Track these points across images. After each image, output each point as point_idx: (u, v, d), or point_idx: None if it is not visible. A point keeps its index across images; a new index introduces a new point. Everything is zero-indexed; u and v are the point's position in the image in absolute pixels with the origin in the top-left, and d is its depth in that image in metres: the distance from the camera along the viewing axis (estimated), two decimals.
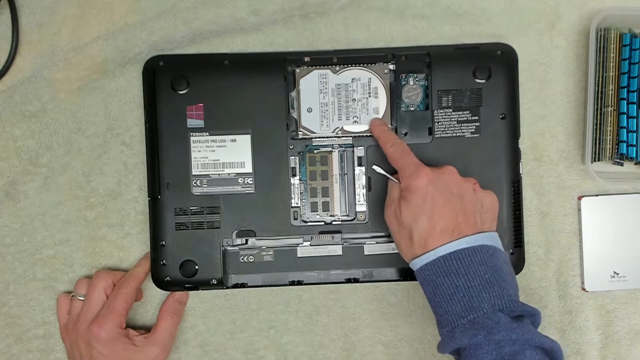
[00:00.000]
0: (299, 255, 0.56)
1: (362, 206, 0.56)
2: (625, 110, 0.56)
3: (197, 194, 0.55)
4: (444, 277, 0.46)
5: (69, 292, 0.56)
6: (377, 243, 0.56)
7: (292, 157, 0.56)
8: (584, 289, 0.58)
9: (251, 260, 0.56)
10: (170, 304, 0.56)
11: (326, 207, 0.56)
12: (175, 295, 0.56)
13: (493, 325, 0.45)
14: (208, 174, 0.55)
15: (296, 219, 0.56)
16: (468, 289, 0.46)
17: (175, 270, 0.56)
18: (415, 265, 0.48)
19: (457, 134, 0.56)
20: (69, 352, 0.54)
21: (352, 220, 0.56)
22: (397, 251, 0.55)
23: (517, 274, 0.56)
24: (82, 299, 0.54)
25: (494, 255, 0.48)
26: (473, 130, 0.56)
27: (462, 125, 0.55)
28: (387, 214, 0.51)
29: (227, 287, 0.56)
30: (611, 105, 0.56)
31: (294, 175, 0.56)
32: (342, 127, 0.55)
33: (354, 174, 0.56)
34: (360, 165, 0.56)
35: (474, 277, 0.46)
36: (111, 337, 0.52)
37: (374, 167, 0.54)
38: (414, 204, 0.48)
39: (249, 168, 0.55)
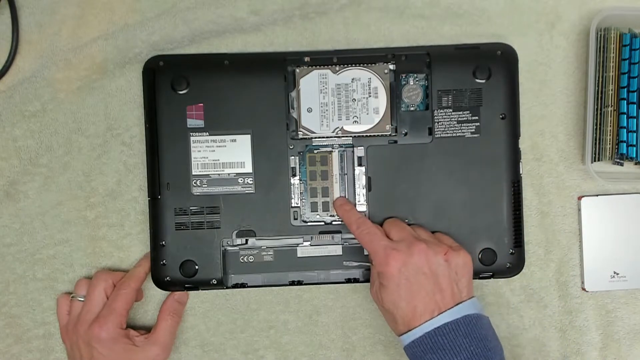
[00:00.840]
0: (299, 255, 0.56)
1: (362, 206, 0.56)
2: (625, 110, 0.56)
3: (197, 194, 0.55)
4: (431, 354, 0.47)
5: (68, 293, 0.56)
6: None
7: (292, 157, 0.56)
8: (584, 289, 0.58)
9: (251, 260, 0.56)
10: (170, 304, 0.56)
11: (326, 207, 0.56)
12: (175, 295, 0.56)
13: None
14: (208, 174, 0.55)
15: (296, 219, 0.56)
16: None
17: (175, 270, 0.56)
18: (403, 341, 0.49)
19: (457, 134, 0.56)
20: (70, 353, 0.54)
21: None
22: None
23: (517, 274, 0.56)
24: (82, 299, 0.54)
25: (477, 324, 0.48)
26: (473, 130, 0.56)
27: (462, 125, 0.55)
28: (372, 293, 0.53)
29: (227, 287, 0.56)
30: (611, 105, 0.56)
31: (294, 175, 0.56)
32: (342, 127, 0.55)
33: (354, 174, 0.56)
34: (360, 165, 0.56)
35: (460, 351, 0.47)
36: (112, 337, 0.52)
37: (345, 263, 0.56)
38: (390, 290, 0.49)
39: (249, 168, 0.55)
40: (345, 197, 0.56)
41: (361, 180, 0.56)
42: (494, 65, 0.55)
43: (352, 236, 0.56)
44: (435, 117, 0.56)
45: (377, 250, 0.50)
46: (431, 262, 0.49)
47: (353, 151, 0.56)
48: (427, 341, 0.48)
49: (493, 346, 0.48)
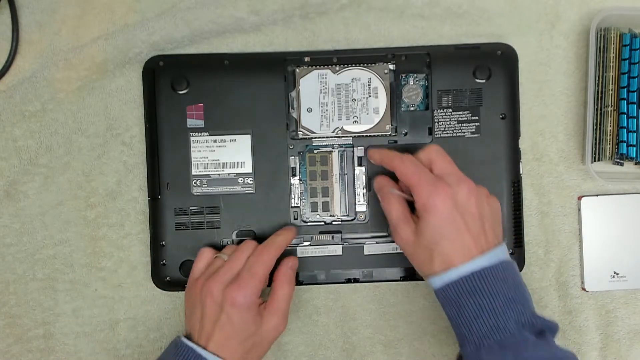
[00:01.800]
0: (299, 255, 0.56)
1: (362, 206, 0.56)
2: (625, 110, 0.56)
3: (197, 194, 0.55)
4: (467, 298, 0.46)
5: (214, 249, 0.54)
6: (377, 243, 0.56)
7: (292, 157, 0.56)
8: (584, 289, 0.58)
9: None
10: (284, 272, 0.53)
11: (326, 207, 0.56)
12: (289, 263, 0.53)
13: (520, 345, 0.44)
14: (208, 174, 0.55)
15: (296, 219, 0.56)
16: (493, 309, 0.45)
17: (175, 270, 0.56)
18: (435, 283, 0.47)
19: (457, 134, 0.56)
20: (189, 309, 0.52)
21: (352, 220, 0.56)
22: (397, 251, 0.56)
23: None
24: (225, 258, 0.52)
25: (514, 270, 0.48)
26: (473, 130, 0.56)
27: (462, 125, 0.56)
28: (398, 234, 0.50)
29: None
30: (611, 105, 0.56)
31: (294, 175, 0.56)
32: (342, 127, 0.55)
33: (354, 174, 0.56)
34: (360, 165, 0.56)
35: (498, 296, 0.46)
36: (247, 304, 0.49)
37: (392, 190, 0.51)
38: (433, 226, 0.47)
39: (249, 168, 0.55)
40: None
41: (361, 180, 0.56)
42: (494, 65, 0.55)
43: (352, 236, 0.56)
44: (435, 117, 0.56)
45: (423, 181, 0.48)
46: (478, 202, 0.48)
47: (353, 151, 0.56)
48: (464, 284, 0.46)
49: (527, 294, 0.48)
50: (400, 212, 0.50)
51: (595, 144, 0.57)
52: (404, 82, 0.56)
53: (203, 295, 0.50)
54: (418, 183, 0.48)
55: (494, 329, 0.45)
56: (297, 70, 0.55)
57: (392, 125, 0.56)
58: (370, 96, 0.55)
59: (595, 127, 0.57)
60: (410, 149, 0.55)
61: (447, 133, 0.56)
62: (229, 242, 0.56)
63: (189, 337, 0.50)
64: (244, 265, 0.51)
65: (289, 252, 0.55)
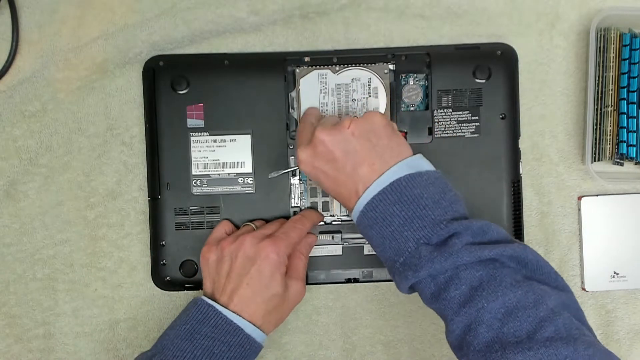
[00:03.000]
0: None
1: None
2: (625, 110, 0.56)
3: (197, 194, 0.55)
4: (370, 230, 0.46)
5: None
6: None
7: (292, 157, 0.56)
8: (584, 289, 0.58)
9: None
10: (303, 247, 0.53)
11: (326, 207, 0.56)
12: (309, 239, 0.54)
13: (417, 262, 0.44)
14: (208, 174, 0.55)
15: None
16: (392, 233, 0.45)
17: (175, 270, 0.56)
18: (354, 219, 0.48)
19: (457, 134, 0.56)
20: (210, 268, 0.51)
21: (352, 220, 0.56)
22: None
23: None
24: (254, 227, 0.53)
25: (408, 185, 0.45)
26: (473, 130, 0.56)
27: (462, 125, 0.55)
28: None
29: None
30: (611, 105, 0.56)
31: (294, 175, 0.56)
32: None
33: None
34: None
35: (392, 219, 0.45)
36: (279, 260, 0.49)
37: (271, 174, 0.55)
38: (319, 184, 0.49)
39: (249, 168, 0.55)
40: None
41: None
42: (494, 65, 0.55)
43: (352, 236, 0.56)
44: (435, 117, 0.56)
45: (296, 144, 0.50)
46: (338, 143, 0.47)
47: None
48: (362, 219, 0.46)
49: (429, 203, 0.45)
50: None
51: (595, 144, 0.57)
52: (404, 82, 0.56)
53: (234, 249, 0.50)
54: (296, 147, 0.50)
55: (398, 251, 0.45)
56: (297, 70, 0.55)
57: None
58: (370, 96, 0.55)
59: (595, 127, 0.57)
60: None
61: (447, 133, 0.55)
62: None
63: (209, 297, 0.50)
64: (278, 229, 0.51)
65: None
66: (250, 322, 0.48)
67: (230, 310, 0.48)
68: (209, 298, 0.49)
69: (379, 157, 0.46)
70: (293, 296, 0.51)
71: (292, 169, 0.55)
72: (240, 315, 0.48)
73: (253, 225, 0.53)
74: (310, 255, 0.56)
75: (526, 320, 0.41)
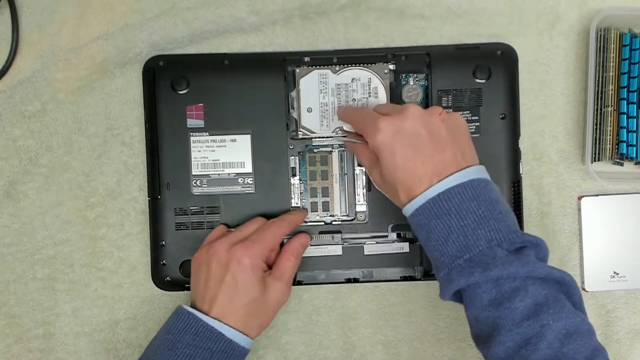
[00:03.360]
0: None
1: (362, 206, 0.56)
2: (625, 110, 0.56)
3: (197, 194, 0.55)
4: (436, 220, 0.45)
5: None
6: (377, 243, 0.56)
7: (292, 157, 0.56)
8: (584, 289, 0.58)
9: None
10: (294, 246, 0.53)
11: (326, 207, 0.56)
12: (301, 239, 0.54)
13: (489, 262, 0.43)
14: (208, 174, 0.55)
15: None
16: (462, 228, 0.44)
17: (175, 270, 0.56)
18: (406, 212, 0.46)
19: None
20: (194, 276, 0.51)
21: (352, 220, 0.56)
22: (397, 251, 0.56)
23: None
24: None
25: (486, 188, 0.45)
26: (473, 130, 0.56)
27: None
28: (372, 179, 0.50)
29: None
30: (611, 105, 0.56)
31: (294, 175, 0.56)
32: (342, 127, 0.55)
33: (354, 174, 0.56)
34: (360, 165, 0.56)
35: (467, 214, 0.44)
36: (252, 264, 0.49)
37: (347, 139, 0.53)
38: (387, 162, 0.46)
39: (249, 168, 0.55)
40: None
41: (361, 180, 0.56)
42: (494, 65, 0.55)
43: (352, 236, 0.56)
44: None
45: (367, 121, 0.47)
46: (427, 124, 0.46)
47: None
48: (431, 207, 0.45)
49: (504, 210, 0.45)
50: (367, 159, 0.50)
51: (595, 144, 0.57)
52: (404, 82, 0.56)
53: (209, 257, 0.50)
54: (362, 126, 0.49)
55: (464, 248, 0.44)
56: (297, 70, 0.55)
57: None
58: (370, 96, 0.55)
59: (595, 127, 0.57)
60: None
61: None
62: None
63: (192, 306, 0.50)
64: (253, 233, 0.51)
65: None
66: (232, 327, 0.48)
67: (212, 317, 0.48)
68: (193, 306, 0.50)
69: (461, 151, 0.47)
70: (274, 298, 0.51)
71: (361, 142, 0.52)
72: (221, 321, 0.48)
73: (228, 229, 0.53)
74: (310, 255, 0.56)
75: (583, 346, 0.41)
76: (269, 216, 0.55)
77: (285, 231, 0.53)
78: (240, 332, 0.49)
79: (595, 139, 0.57)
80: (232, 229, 0.55)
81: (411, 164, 0.45)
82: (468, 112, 0.55)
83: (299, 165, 0.56)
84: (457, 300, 0.47)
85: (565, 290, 0.44)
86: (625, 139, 0.56)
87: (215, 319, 0.48)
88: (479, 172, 0.46)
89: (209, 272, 0.50)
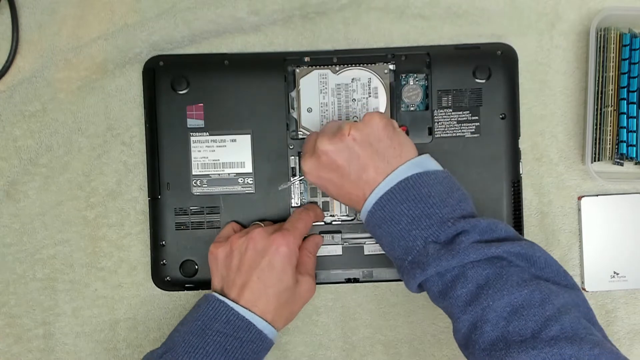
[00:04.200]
0: None
1: None
2: (625, 110, 0.56)
3: (197, 194, 0.55)
4: (378, 229, 0.47)
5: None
6: (377, 243, 0.56)
7: (292, 157, 0.56)
8: (584, 289, 0.58)
9: None
10: (310, 246, 0.54)
11: (326, 207, 0.56)
12: (316, 239, 0.54)
13: (424, 261, 0.44)
14: (208, 174, 0.55)
15: None
16: (400, 232, 0.45)
17: (175, 270, 0.56)
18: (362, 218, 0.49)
19: (457, 134, 0.55)
20: (219, 263, 0.51)
21: (352, 220, 0.56)
22: None
23: None
24: (262, 225, 0.52)
25: (415, 185, 0.45)
26: (473, 130, 0.56)
27: (462, 125, 0.55)
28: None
29: None
30: (611, 105, 0.56)
31: (294, 175, 0.56)
32: None
33: None
34: None
35: (400, 218, 0.45)
36: (290, 252, 0.49)
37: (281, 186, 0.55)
38: (318, 184, 0.50)
39: (249, 168, 0.55)
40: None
41: None
42: (494, 65, 0.55)
43: (352, 236, 0.56)
44: (435, 117, 0.56)
45: (304, 155, 0.50)
46: (339, 151, 0.46)
47: None
48: (371, 220, 0.47)
49: (437, 202, 0.45)
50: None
51: (595, 144, 0.57)
52: (404, 82, 0.56)
53: (243, 243, 0.49)
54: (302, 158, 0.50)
55: (407, 250, 0.45)
56: (297, 70, 0.55)
57: None
58: (370, 96, 0.55)
59: (595, 127, 0.57)
60: None
61: (447, 133, 0.55)
62: None
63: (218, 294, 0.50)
64: (284, 223, 0.52)
65: None
66: (261, 317, 0.48)
67: (241, 306, 0.48)
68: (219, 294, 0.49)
69: (382, 159, 0.47)
70: (304, 292, 0.51)
71: (298, 179, 0.55)
72: (251, 311, 0.48)
73: (262, 224, 0.53)
74: None
75: (532, 319, 0.41)
76: (268, 216, 0.55)
77: (312, 220, 0.54)
78: (269, 323, 0.48)
79: (595, 139, 0.57)
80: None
81: (342, 192, 0.48)
82: (468, 112, 0.55)
83: (299, 165, 0.56)
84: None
85: (517, 263, 0.44)
86: (625, 139, 0.56)
87: (245, 307, 0.48)
88: (409, 168, 0.46)
89: (242, 259, 0.49)
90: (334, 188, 0.48)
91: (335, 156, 0.47)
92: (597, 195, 0.58)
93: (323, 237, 0.56)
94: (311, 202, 0.56)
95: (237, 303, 0.48)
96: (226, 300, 0.48)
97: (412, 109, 0.56)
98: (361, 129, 0.47)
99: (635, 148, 0.56)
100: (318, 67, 0.55)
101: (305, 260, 0.53)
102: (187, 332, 0.47)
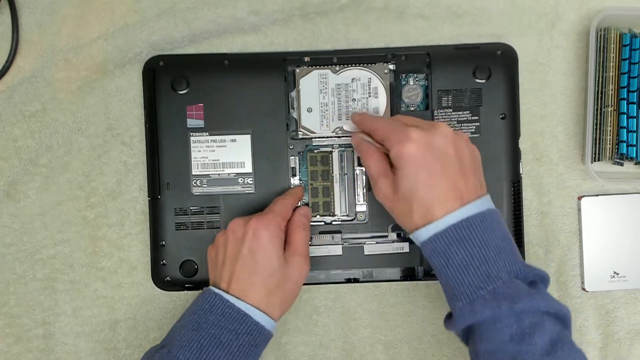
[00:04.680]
0: None
1: (362, 206, 0.56)
2: (625, 110, 0.56)
3: (197, 194, 0.55)
4: (457, 247, 0.43)
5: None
6: (377, 243, 0.56)
7: (292, 157, 0.56)
8: (584, 289, 0.58)
9: None
10: (297, 219, 0.52)
11: (327, 207, 0.56)
12: (301, 211, 0.53)
13: (514, 294, 0.42)
14: (208, 174, 0.55)
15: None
16: (484, 258, 0.43)
17: (175, 270, 0.56)
18: (421, 236, 0.45)
19: None
20: (211, 262, 0.51)
21: (352, 220, 0.56)
22: (397, 251, 0.56)
23: None
24: None
25: (500, 219, 0.45)
26: (473, 130, 0.56)
27: (462, 125, 0.55)
28: (378, 189, 0.47)
29: None
30: (611, 105, 0.56)
31: (294, 175, 0.56)
32: (342, 127, 0.55)
33: (354, 174, 0.56)
34: (360, 165, 0.56)
35: (488, 244, 0.43)
36: (269, 236, 0.48)
37: (364, 138, 0.50)
38: (408, 174, 0.45)
39: (249, 168, 0.55)
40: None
41: (361, 180, 0.56)
42: (494, 65, 0.55)
43: (352, 236, 0.56)
44: (435, 117, 0.56)
45: (395, 129, 0.46)
46: (456, 145, 0.45)
47: (353, 151, 0.56)
48: (452, 233, 0.43)
49: (515, 244, 0.46)
50: (378, 166, 0.48)
51: (595, 144, 0.57)
52: (404, 82, 0.56)
53: (226, 237, 0.49)
54: (390, 132, 0.46)
55: (487, 278, 0.43)
56: (297, 70, 0.55)
57: None
58: (370, 96, 0.55)
59: (595, 127, 0.57)
60: None
61: None
62: None
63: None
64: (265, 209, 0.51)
65: None
66: (255, 307, 0.47)
67: (232, 295, 0.47)
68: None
69: (479, 180, 0.47)
70: (295, 272, 0.49)
71: (379, 147, 0.49)
72: (243, 301, 0.47)
73: None
74: (310, 255, 0.55)
75: None
76: None
77: (291, 202, 0.53)
78: (264, 312, 0.47)
79: (595, 139, 0.57)
80: None
81: (435, 182, 0.44)
82: (468, 112, 0.55)
83: (299, 165, 0.56)
84: (462, 333, 0.46)
85: (567, 325, 0.45)
86: (625, 139, 0.56)
87: (237, 298, 0.47)
88: (490, 202, 0.46)
89: (225, 251, 0.49)
90: (423, 174, 0.44)
91: (452, 145, 0.45)
92: (597, 195, 0.58)
93: (310, 207, 0.55)
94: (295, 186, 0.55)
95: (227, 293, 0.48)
96: (221, 293, 0.47)
97: (412, 109, 0.56)
98: (472, 144, 0.48)
99: (635, 148, 0.56)
100: (318, 67, 0.55)
101: (295, 239, 0.50)
102: (183, 326, 0.47)
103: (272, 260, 0.48)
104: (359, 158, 0.56)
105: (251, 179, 0.56)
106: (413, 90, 0.56)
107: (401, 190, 0.45)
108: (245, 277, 0.48)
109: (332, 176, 0.56)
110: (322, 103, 0.55)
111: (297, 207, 0.54)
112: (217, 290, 0.48)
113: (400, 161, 0.45)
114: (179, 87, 0.55)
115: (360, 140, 0.50)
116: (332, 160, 0.56)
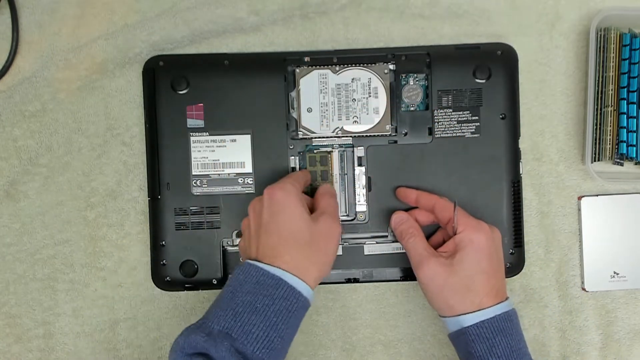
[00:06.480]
0: None
1: (362, 206, 0.56)
2: (625, 110, 0.56)
3: (197, 194, 0.55)
4: (501, 337, 0.47)
5: None
6: (377, 243, 0.56)
7: (292, 157, 0.56)
8: (584, 289, 0.58)
9: None
10: (322, 189, 0.52)
11: None
12: (326, 185, 0.54)
13: None
14: (208, 174, 0.55)
15: None
16: (520, 350, 0.48)
17: (175, 270, 0.56)
18: (466, 321, 0.48)
19: (457, 134, 0.55)
20: (242, 246, 0.51)
21: (352, 220, 0.56)
22: (397, 251, 0.56)
23: (517, 274, 0.57)
24: None
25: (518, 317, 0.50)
26: (473, 130, 0.56)
27: (462, 125, 0.55)
28: (428, 267, 0.49)
29: None
30: (611, 105, 0.56)
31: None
32: (342, 127, 0.55)
33: (354, 174, 0.56)
34: (360, 165, 0.56)
35: (521, 338, 0.49)
36: (286, 195, 0.47)
37: (402, 214, 0.54)
38: (475, 259, 0.49)
39: (249, 168, 0.55)
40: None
41: (361, 180, 0.56)
42: (494, 65, 0.55)
43: (352, 236, 0.56)
44: (435, 117, 0.56)
45: (469, 218, 0.51)
46: (500, 248, 0.51)
47: (353, 151, 0.56)
48: (497, 323, 0.48)
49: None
50: (426, 245, 0.51)
51: (595, 144, 0.57)
52: (404, 82, 0.56)
53: (248, 220, 0.50)
54: (465, 218, 0.50)
55: None
56: (297, 70, 0.55)
57: (392, 125, 0.55)
58: (370, 96, 0.55)
59: (595, 127, 0.57)
60: (411, 149, 0.55)
61: (447, 133, 0.55)
62: (229, 242, 0.56)
63: None
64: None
65: None
66: (290, 272, 0.46)
67: (267, 264, 0.46)
68: None
69: (503, 274, 0.52)
70: (324, 229, 0.48)
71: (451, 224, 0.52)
72: (276, 266, 0.46)
73: None
74: None
75: None
76: None
77: (301, 174, 0.53)
78: (298, 277, 0.46)
79: (595, 139, 0.57)
80: None
81: (493, 273, 0.49)
82: (468, 112, 0.55)
83: (299, 165, 0.56)
84: None
85: None
86: (625, 139, 0.56)
87: (270, 265, 0.46)
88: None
89: (251, 227, 0.49)
90: (486, 263, 0.49)
91: (496, 244, 0.51)
92: (597, 195, 0.58)
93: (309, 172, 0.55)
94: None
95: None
96: (255, 262, 0.46)
97: (412, 109, 0.56)
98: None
99: (635, 148, 0.56)
100: (318, 67, 0.55)
101: (322, 203, 0.50)
102: (220, 298, 0.46)
103: (294, 217, 0.47)
104: (359, 158, 0.56)
105: (251, 179, 0.56)
106: (413, 90, 0.56)
107: (460, 273, 0.48)
108: (274, 240, 0.47)
109: (332, 176, 0.56)
110: (322, 103, 0.55)
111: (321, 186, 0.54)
112: (251, 261, 0.47)
113: (470, 246, 0.49)
114: (179, 87, 0.55)
115: (402, 220, 0.53)
116: (331, 160, 0.56)
